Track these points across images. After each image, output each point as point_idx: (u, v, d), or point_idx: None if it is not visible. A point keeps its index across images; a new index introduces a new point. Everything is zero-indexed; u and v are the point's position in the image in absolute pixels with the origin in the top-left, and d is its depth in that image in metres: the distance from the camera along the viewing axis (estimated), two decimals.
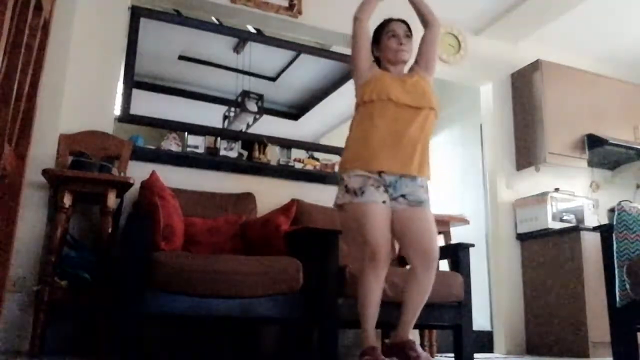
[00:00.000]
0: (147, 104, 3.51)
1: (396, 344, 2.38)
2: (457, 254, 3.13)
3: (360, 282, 2.37)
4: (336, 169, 3.82)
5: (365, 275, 2.34)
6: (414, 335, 2.55)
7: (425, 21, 2.68)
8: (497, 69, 4.94)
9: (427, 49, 2.65)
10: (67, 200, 2.75)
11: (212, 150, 3.61)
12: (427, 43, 2.65)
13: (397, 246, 2.48)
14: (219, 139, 3.65)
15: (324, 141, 4.12)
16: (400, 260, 3.13)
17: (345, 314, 2.74)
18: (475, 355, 3.11)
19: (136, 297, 2.38)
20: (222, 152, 3.58)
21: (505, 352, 4.32)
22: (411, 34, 2.61)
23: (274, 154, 3.82)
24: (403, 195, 2.40)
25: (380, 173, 2.39)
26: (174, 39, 3.78)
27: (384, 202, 2.37)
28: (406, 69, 2.64)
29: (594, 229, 3.81)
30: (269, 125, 3.85)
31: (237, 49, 3.92)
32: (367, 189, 2.35)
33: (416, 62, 2.65)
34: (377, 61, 2.65)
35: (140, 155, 3.27)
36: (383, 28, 2.61)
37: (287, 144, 3.86)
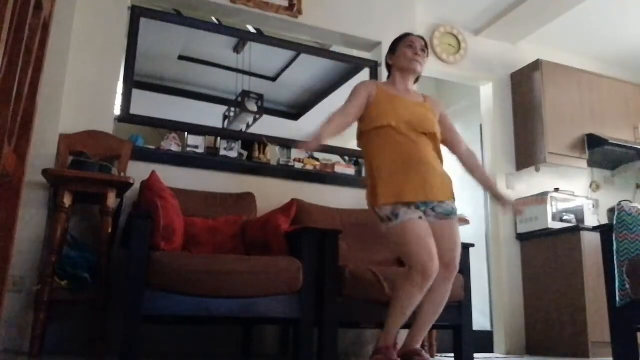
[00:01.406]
0: (147, 104, 3.50)
1: (405, 354, 2.39)
2: None
3: (403, 293, 2.32)
4: (336, 169, 3.84)
5: (411, 288, 2.30)
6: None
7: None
8: (497, 69, 4.94)
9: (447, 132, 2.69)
10: (67, 200, 2.75)
11: (212, 150, 3.61)
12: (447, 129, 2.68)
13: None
14: (219, 139, 3.64)
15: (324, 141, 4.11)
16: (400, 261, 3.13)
17: (345, 314, 2.75)
18: (475, 355, 3.11)
19: (136, 297, 2.39)
20: (222, 152, 3.58)
21: (505, 352, 4.32)
22: (427, 51, 2.66)
23: (274, 154, 3.82)
24: (432, 208, 2.42)
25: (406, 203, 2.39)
26: (174, 39, 3.78)
27: (420, 217, 2.37)
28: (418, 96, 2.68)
29: (594, 229, 3.82)
30: (269, 125, 3.85)
31: (237, 49, 3.92)
32: (399, 211, 2.35)
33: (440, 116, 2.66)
34: (389, 69, 2.70)
35: (140, 155, 3.27)
36: (401, 39, 2.66)
37: (287, 144, 3.86)
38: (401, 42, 2.64)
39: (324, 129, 2.35)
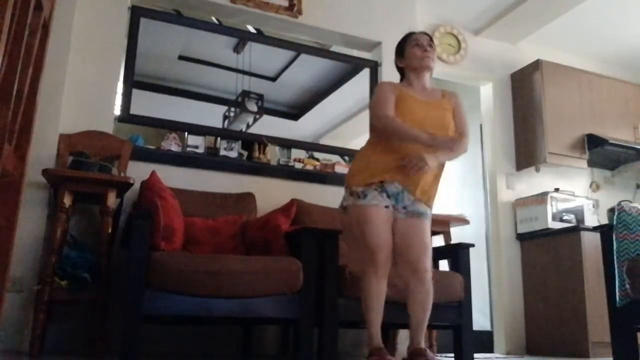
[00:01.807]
0: (147, 104, 3.50)
1: (409, 354, 2.40)
2: (457, 254, 3.13)
3: (362, 285, 2.40)
4: (336, 169, 3.84)
5: (367, 278, 2.38)
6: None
7: None
8: (497, 69, 4.94)
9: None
10: (67, 200, 2.75)
11: (212, 150, 3.61)
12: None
13: None
14: (219, 139, 3.64)
15: (324, 141, 4.12)
16: None
17: (345, 314, 2.75)
18: (475, 355, 3.11)
19: (136, 297, 2.38)
20: (222, 152, 3.58)
21: (505, 352, 4.32)
22: (434, 45, 2.66)
23: (274, 154, 3.82)
24: (404, 207, 2.43)
25: (381, 182, 2.41)
26: (174, 39, 3.78)
27: (386, 206, 2.40)
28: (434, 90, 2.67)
29: (594, 229, 3.82)
30: (269, 125, 3.85)
31: (237, 49, 3.92)
32: (369, 192, 2.39)
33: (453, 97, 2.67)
34: (401, 72, 2.69)
35: (140, 155, 3.27)
36: (406, 40, 2.66)
37: (287, 144, 3.86)
38: (407, 43, 2.63)
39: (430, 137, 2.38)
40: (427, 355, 2.35)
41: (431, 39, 2.66)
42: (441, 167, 2.54)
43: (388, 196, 2.41)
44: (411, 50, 2.60)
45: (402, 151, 2.41)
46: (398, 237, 2.41)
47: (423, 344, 2.42)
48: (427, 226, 2.47)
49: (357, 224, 2.41)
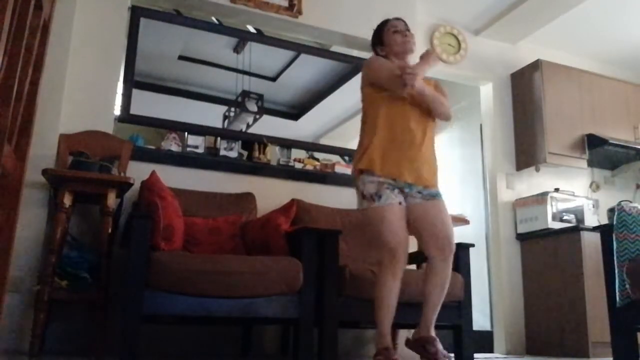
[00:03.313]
0: (147, 104, 3.50)
1: (418, 340, 2.41)
2: (457, 254, 3.11)
3: (377, 284, 2.40)
4: (336, 169, 3.83)
5: (384, 276, 2.38)
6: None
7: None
8: (497, 69, 4.94)
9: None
10: (67, 200, 2.75)
11: (212, 150, 3.61)
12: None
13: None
14: (219, 139, 3.64)
15: (324, 141, 4.12)
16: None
17: (345, 314, 2.75)
18: (475, 355, 3.11)
19: (136, 297, 2.38)
20: (222, 152, 3.58)
21: (505, 352, 4.32)
22: (408, 25, 2.70)
23: (274, 154, 3.82)
24: (419, 192, 2.47)
25: (394, 179, 2.44)
26: (174, 39, 3.78)
27: (400, 203, 2.43)
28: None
29: (594, 229, 3.82)
30: (269, 125, 3.85)
31: (237, 49, 3.92)
32: (383, 192, 2.41)
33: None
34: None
35: (140, 155, 3.27)
36: (383, 27, 2.68)
37: (287, 144, 3.86)
38: (384, 31, 2.68)
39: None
40: (437, 346, 2.35)
41: (405, 23, 2.70)
42: (430, 140, 2.56)
43: (400, 190, 2.44)
44: (392, 37, 2.64)
45: (398, 133, 2.46)
46: (419, 220, 2.45)
47: (434, 332, 2.43)
48: (445, 206, 2.52)
49: (374, 226, 2.43)
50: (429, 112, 2.55)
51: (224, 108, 3.83)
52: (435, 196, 2.50)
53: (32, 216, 2.89)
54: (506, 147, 4.81)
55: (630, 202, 2.83)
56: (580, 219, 4.44)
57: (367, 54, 4.29)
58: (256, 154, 3.67)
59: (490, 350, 4.43)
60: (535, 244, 4.48)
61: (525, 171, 4.75)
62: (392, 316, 2.40)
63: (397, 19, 2.71)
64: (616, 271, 2.65)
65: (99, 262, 2.77)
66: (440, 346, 2.37)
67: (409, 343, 2.48)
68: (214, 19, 4.16)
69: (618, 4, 4.49)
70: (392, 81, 2.46)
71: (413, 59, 2.69)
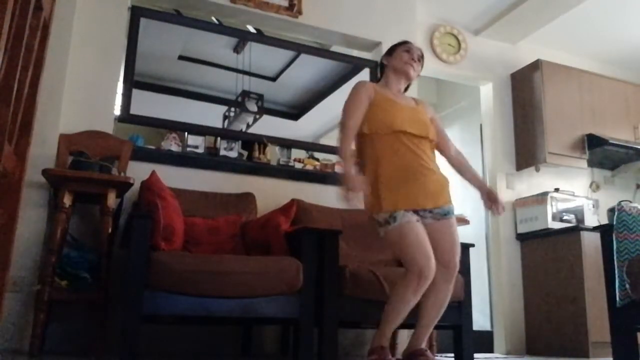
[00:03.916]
0: (147, 104, 3.50)
1: (409, 354, 2.40)
2: None
3: (397, 296, 2.35)
4: (336, 169, 3.83)
5: (406, 288, 2.32)
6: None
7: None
8: (497, 69, 4.94)
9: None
10: (67, 200, 2.75)
11: (212, 150, 3.61)
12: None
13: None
14: (219, 139, 3.64)
15: (324, 141, 4.12)
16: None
17: (345, 314, 2.75)
18: (475, 355, 3.11)
19: (136, 297, 2.38)
20: (222, 152, 3.58)
21: (505, 352, 4.32)
22: (422, 63, 2.70)
23: (274, 154, 3.82)
24: (430, 211, 2.43)
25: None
26: (174, 39, 3.78)
27: (417, 220, 2.39)
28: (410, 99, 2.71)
29: (594, 229, 3.82)
30: (269, 125, 3.85)
31: (237, 49, 3.92)
32: (396, 214, 2.36)
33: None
34: (382, 69, 2.74)
35: (140, 155, 3.27)
36: (400, 44, 2.70)
37: (287, 144, 3.86)
38: (400, 46, 2.69)
39: (348, 167, 2.38)
40: (428, 356, 2.35)
41: (423, 57, 2.70)
42: (434, 161, 2.54)
43: (414, 211, 2.40)
44: (400, 53, 2.64)
45: (404, 158, 2.43)
46: (430, 240, 2.39)
47: (424, 344, 2.42)
48: (455, 223, 2.49)
49: (397, 245, 2.38)
50: (426, 131, 2.53)
51: (224, 108, 3.83)
52: (447, 214, 2.45)
53: (32, 216, 2.90)
54: (506, 147, 4.81)
55: (630, 202, 2.83)
56: (580, 219, 4.44)
57: (367, 54, 4.31)
58: (256, 154, 3.67)
59: (490, 350, 4.43)
60: (535, 244, 4.48)
61: (525, 171, 4.75)
62: (399, 324, 2.39)
63: (418, 48, 2.72)
64: (616, 271, 2.65)
65: (99, 262, 2.77)
66: (430, 355, 2.36)
67: None
68: (214, 19, 4.16)
69: (618, 4, 4.49)
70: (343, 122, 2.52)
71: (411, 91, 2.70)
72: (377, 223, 2.43)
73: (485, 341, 4.42)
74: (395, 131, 2.45)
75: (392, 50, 2.70)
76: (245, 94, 3.84)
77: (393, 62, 2.65)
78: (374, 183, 2.44)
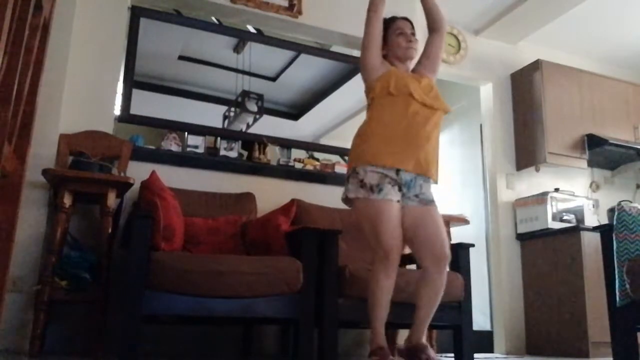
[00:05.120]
0: (147, 104, 3.50)
1: (409, 348, 2.38)
2: (457, 254, 3.12)
3: (371, 283, 2.37)
4: (336, 169, 3.83)
5: (376, 275, 2.35)
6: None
7: (434, 24, 2.67)
8: (497, 69, 4.94)
9: (435, 52, 2.65)
10: (67, 200, 2.75)
11: (212, 150, 3.61)
12: (435, 46, 2.65)
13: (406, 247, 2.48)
14: (219, 139, 3.64)
15: (324, 141, 4.12)
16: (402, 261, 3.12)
17: (345, 314, 2.75)
18: (475, 355, 3.11)
19: (136, 297, 2.38)
20: (222, 152, 3.58)
21: (505, 352, 4.32)
22: (414, 31, 2.65)
23: (274, 154, 3.82)
24: (416, 195, 2.41)
25: (397, 171, 2.38)
26: (174, 39, 3.78)
27: (397, 201, 2.38)
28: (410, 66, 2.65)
29: (594, 229, 3.82)
30: (269, 125, 3.85)
31: (237, 49, 3.92)
32: (384, 186, 2.35)
33: (420, 62, 2.65)
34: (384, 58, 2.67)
35: (140, 155, 3.27)
36: (389, 26, 2.63)
37: (287, 144, 3.86)
38: (390, 30, 2.61)
39: None
40: (429, 353, 2.33)
41: (412, 26, 2.65)
42: (437, 136, 2.50)
43: (399, 187, 2.39)
44: (396, 40, 2.59)
45: (410, 120, 2.40)
46: (416, 227, 2.37)
47: (425, 340, 2.41)
48: (439, 212, 2.46)
49: (370, 220, 2.37)
50: (433, 105, 2.48)
51: (224, 108, 3.83)
52: (431, 202, 2.43)
53: (32, 216, 2.89)
54: (506, 147, 4.81)
55: (630, 202, 2.83)
56: (580, 219, 4.44)
57: None
58: (256, 154, 3.67)
59: (490, 350, 4.43)
60: (535, 244, 4.48)
61: (525, 171, 4.75)
62: (386, 315, 2.37)
63: (405, 19, 2.66)
64: (616, 271, 2.65)
65: (99, 262, 2.77)
66: (432, 353, 2.34)
67: (400, 352, 2.43)
68: (214, 19, 4.16)
69: (618, 4, 4.49)
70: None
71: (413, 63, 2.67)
72: (358, 181, 2.38)
73: (485, 341, 4.42)
74: (406, 94, 2.42)
75: (384, 38, 2.61)
76: (245, 94, 3.84)
77: (394, 51, 2.59)
78: (367, 134, 2.45)
